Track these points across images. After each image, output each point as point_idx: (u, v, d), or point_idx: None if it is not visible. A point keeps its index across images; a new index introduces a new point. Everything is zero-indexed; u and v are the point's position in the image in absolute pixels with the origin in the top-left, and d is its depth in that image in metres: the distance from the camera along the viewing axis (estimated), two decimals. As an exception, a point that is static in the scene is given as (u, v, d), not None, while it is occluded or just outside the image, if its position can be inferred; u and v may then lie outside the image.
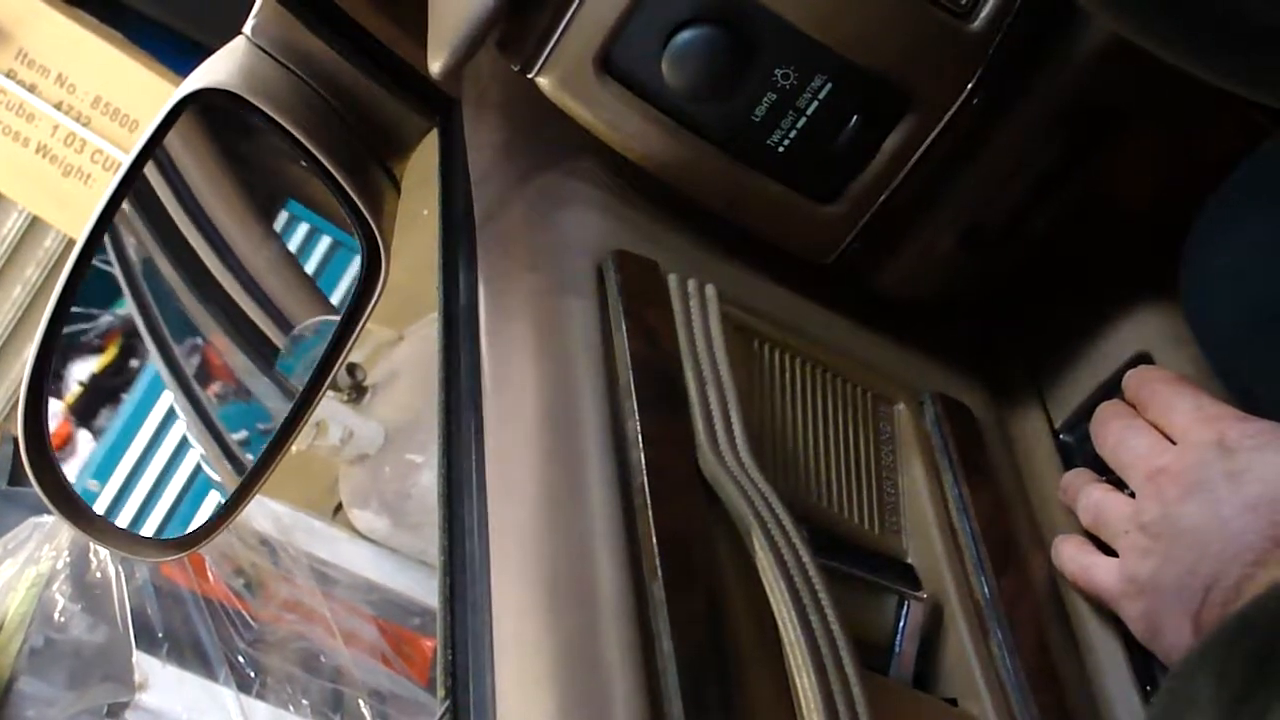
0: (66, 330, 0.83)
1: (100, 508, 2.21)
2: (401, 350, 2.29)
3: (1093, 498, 0.87)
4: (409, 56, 0.88)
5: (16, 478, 2.31)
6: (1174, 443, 0.83)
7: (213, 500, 0.88)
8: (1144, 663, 0.84)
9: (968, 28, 0.81)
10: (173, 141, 0.84)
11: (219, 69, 0.82)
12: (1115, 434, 0.87)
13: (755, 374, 0.85)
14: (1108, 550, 0.85)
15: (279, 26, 0.84)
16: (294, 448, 0.86)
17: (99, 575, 1.95)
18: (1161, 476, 0.82)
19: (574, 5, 0.81)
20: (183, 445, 2.34)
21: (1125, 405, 0.89)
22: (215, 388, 0.99)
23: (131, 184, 0.83)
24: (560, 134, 0.88)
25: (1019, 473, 0.94)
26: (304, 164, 0.82)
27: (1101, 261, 0.97)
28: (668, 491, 0.74)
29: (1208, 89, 0.60)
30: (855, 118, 0.83)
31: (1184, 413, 0.84)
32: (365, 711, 1.97)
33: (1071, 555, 0.87)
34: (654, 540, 0.71)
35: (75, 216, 2.50)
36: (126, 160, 0.82)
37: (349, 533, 2.19)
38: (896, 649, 0.82)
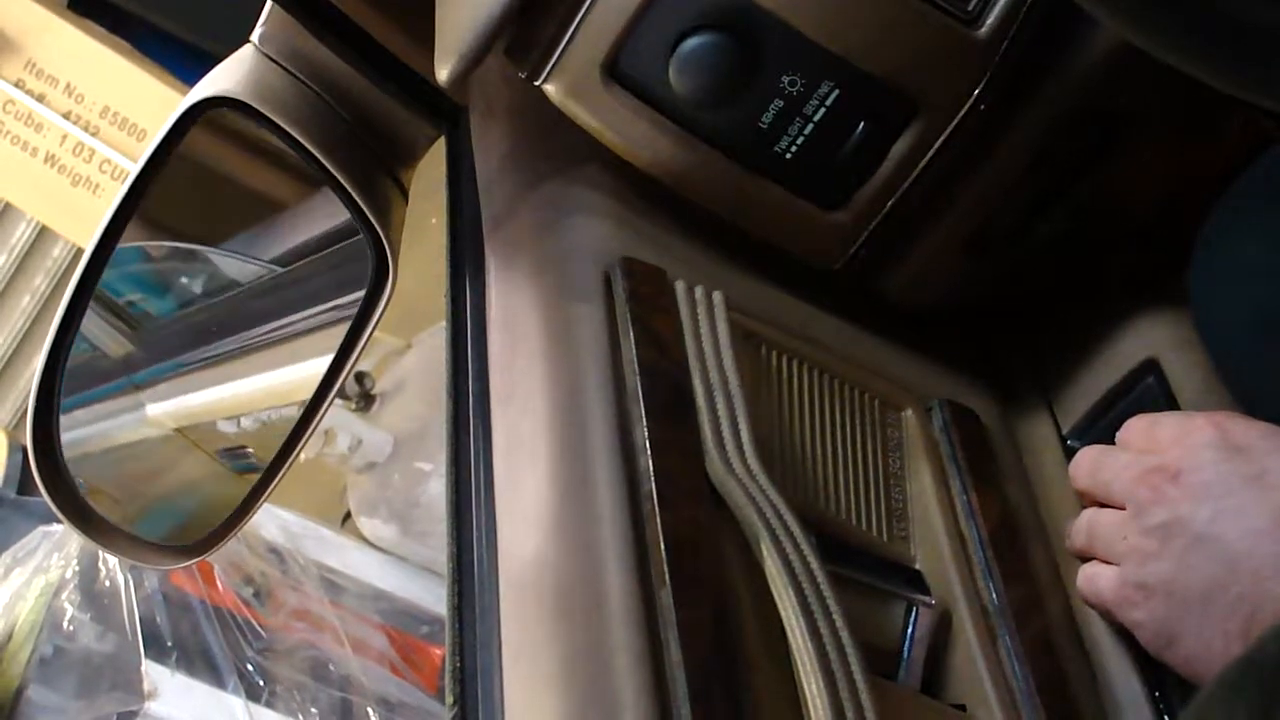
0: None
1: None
2: (410, 359, 2.30)
3: (1082, 520, 0.87)
4: (416, 65, 0.88)
5: (26, 487, 2.31)
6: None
7: (221, 508, 0.88)
8: (1154, 670, 0.84)
9: (974, 34, 0.81)
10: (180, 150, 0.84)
11: (226, 77, 0.82)
12: (1091, 458, 0.87)
13: (763, 381, 0.85)
14: None
15: (286, 35, 0.84)
16: (302, 456, 0.86)
17: (108, 584, 1.95)
18: (1156, 475, 0.81)
19: (581, 13, 0.81)
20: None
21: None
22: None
23: (140, 193, 0.83)
24: (567, 141, 0.88)
25: (1027, 479, 0.94)
26: (312, 172, 0.82)
27: (1109, 267, 0.97)
28: (676, 498, 0.74)
29: (1214, 94, 0.60)
30: (862, 124, 0.83)
31: (1172, 421, 0.83)
32: (374, 720, 1.98)
33: (1081, 568, 0.87)
34: (662, 547, 0.72)
35: (84, 226, 2.50)
36: (135, 169, 0.82)
37: (357, 541, 2.19)
38: (905, 655, 0.82)
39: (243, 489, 0.88)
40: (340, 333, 0.87)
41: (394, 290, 0.84)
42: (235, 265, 0.97)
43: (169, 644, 1.95)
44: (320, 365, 0.88)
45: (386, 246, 0.83)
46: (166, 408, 0.98)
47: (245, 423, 1.00)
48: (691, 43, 0.81)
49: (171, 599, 1.97)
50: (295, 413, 0.91)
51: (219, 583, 1.99)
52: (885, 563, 0.84)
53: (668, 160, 0.85)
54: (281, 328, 0.97)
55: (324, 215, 0.89)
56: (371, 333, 0.84)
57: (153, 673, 1.92)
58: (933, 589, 0.84)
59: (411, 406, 2.22)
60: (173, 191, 0.84)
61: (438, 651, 2.07)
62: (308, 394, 0.88)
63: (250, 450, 0.99)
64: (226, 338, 0.99)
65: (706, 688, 0.67)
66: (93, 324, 0.85)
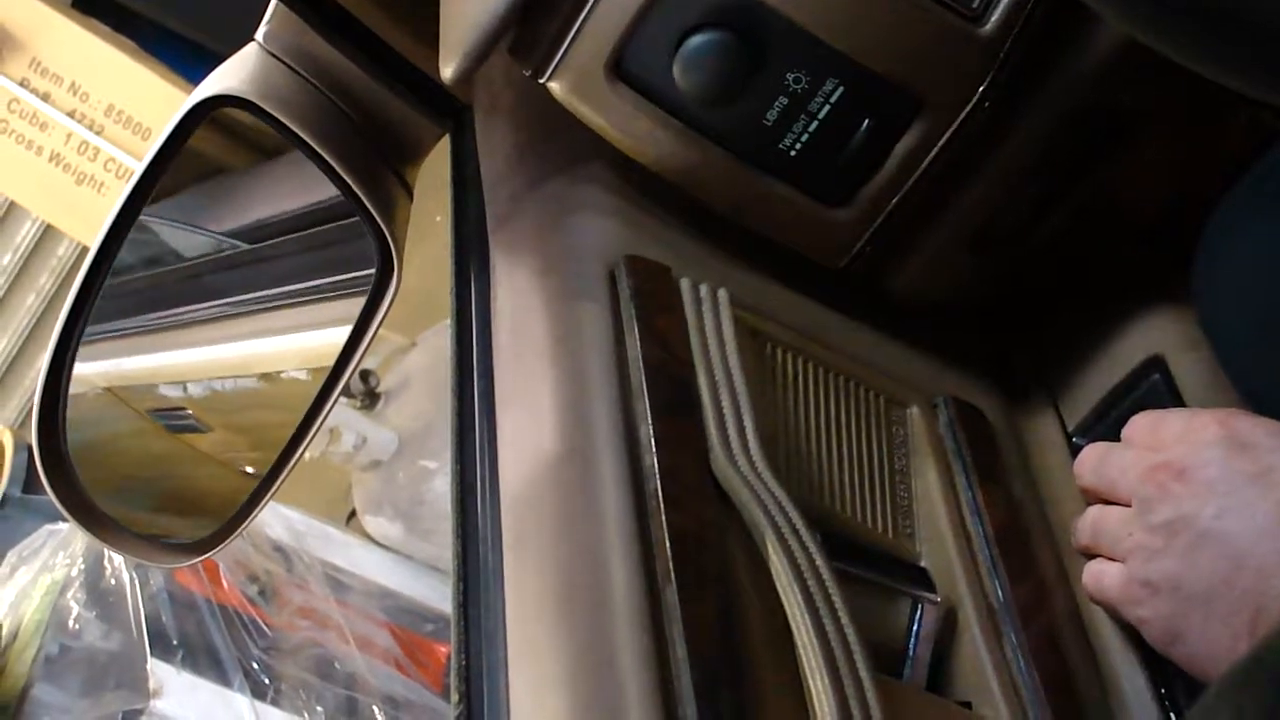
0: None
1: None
2: (414, 357, 2.30)
3: (1087, 517, 0.87)
4: (421, 62, 0.88)
5: (31, 485, 2.31)
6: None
7: (227, 507, 0.89)
8: (1159, 666, 0.84)
9: (979, 31, 0.81)
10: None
11: (231, 75, 0.82)
12: (1096, 455, 0.87)
13: (767, 378, 0.85)
14: None
15: (291, 33, 0.85)
16: (307, 454, 0.86)
17: (113, 582, 1.95)
18: (1162, 472, 0.80)
19: (586, 10, 0.81)
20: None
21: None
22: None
23: (145, 192, 0.83)
24: (572, 139, 0.88)
25: (1032, 476, 0.94)
26: (318, 170, 0.82)
27: (1114, 264, 0.97)
28: (681, 495, 0.74)
29: (1219, 91, 0.60)
30: (867, 122, 0.83)
31: (1177, 418, 0.83)
32: (380, 718, 1.98)
33: (1086, 565, 0.87)
34: (667, 544, 0.72)
35: (88, 224, 2.50)
36: (140, 168, 0.82)
37: (363, 539, 2.19)
38: (910, 652, 0.82)
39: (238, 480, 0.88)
40: (301, 313, 0.87)
41: (399, 288, 0.84)
42: (185, 236, 0.97)
43: (174, 642, 1.95)
44: (282, 342, 0.88)
45: (391, 244, 0.83)
46: (99, 369, 0.98)
47: (193, 389, 1.00)
48: (696, 40, 0.81)
49: (177, 597, 1.97)
50: (253, 384, 0.92)
51: (224, 581, 1.99)
52: (890, 560, 0.84)
53: (672, 158, 0.85)
54: (241, 302, 0.97)
55: (288, 193, 0.89)
56: (377, 330, 0.84)
57: (158, 671, 1.93)
58: (938, 586, 0.84)
59: (416, 404, 2.23)
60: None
61: (443, 649, 2.07)
62: (266, 367, 0.88)
63: (190, 412, 0.98)
64: (175, 307, 0.99)
65: (712, 685, 0.67)
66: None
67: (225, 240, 0.96)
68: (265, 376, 0.98)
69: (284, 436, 0.86)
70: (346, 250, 0.85)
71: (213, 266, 0.98)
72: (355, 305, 0.86)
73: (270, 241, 0.96)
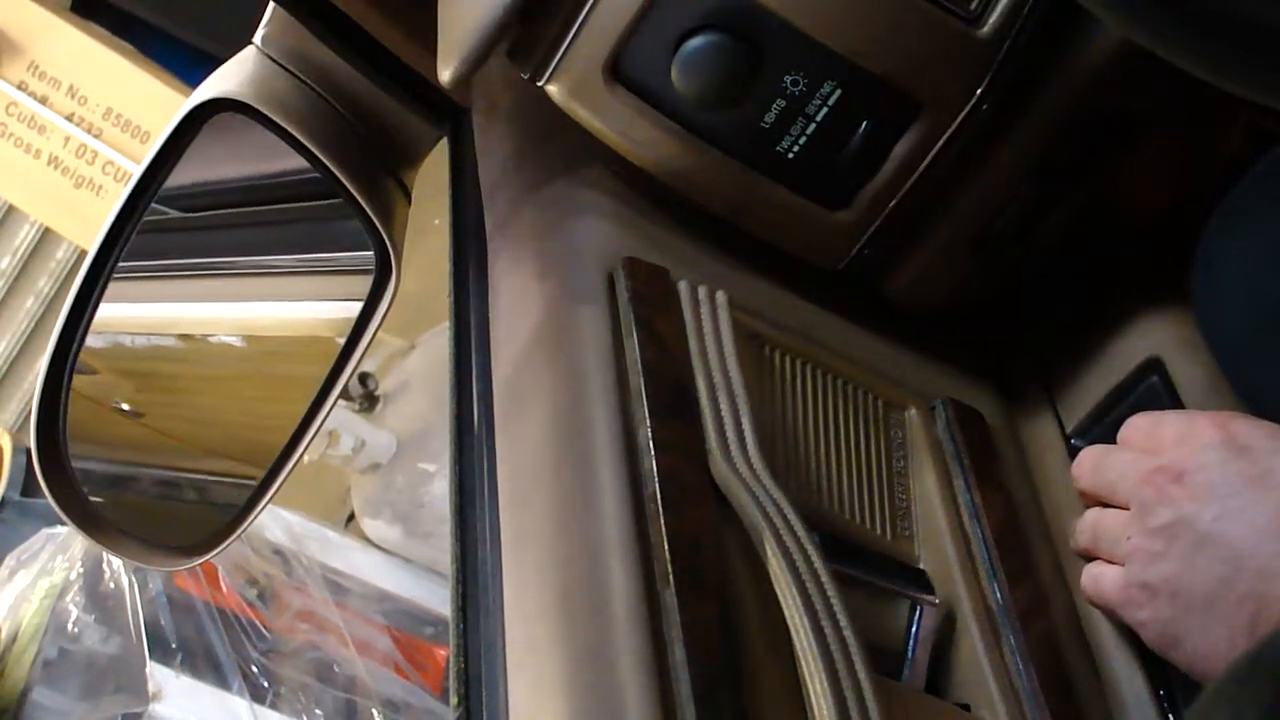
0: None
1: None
2: (413, 360, 2.30)
3: (1086, 519, 0.87)
4: (419, 66, 0.88)
5: (30, 489, 2.31)
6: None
7: (226, 510, 0.89)
8: (1158, 669, 0.84)
9: (977, 33, 0.81)
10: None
11: (229, 79, 0.82)
12: (1094, 457, 0.87)
13: (766, 380, 0.85)
14: None
15: (288, 36, 0.85)
16: (306, 458, 0.86)
17: (112, 586, 1.96)
18: (1160, 475, 0.80)
19: (583, 13, 0.81)
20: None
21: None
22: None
23: (143, 195, 0.83)
24: (570, 142, 0.88)
25: (1031, 478, 0.94)
26: (316, 173, 0.82)
27: (1112, 266, 0.96)
28: (680, 498, 0.74)
29: (1217, 93, 0.60)
30: (865, 124, 0.83)
31: (1175, 421, 0.83)
32: (379, 721, 1.98)
33: (1085, 568, 0.87)
34: (666, 547, 0.71)
35: (87, 228, 2.50)
36: (138, 171, 0.82)
37: (362, 542, 2.19)
38: (909, 655, 0.82)
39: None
40: (240, 285, 0.86)
41: (398, 291, 0.84)
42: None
43: (173, 646, 1.95)
44: (213, 309, 0.88)
45: (390, 247, 0.83)
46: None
47: (93, 341, 0.99)
48: (694, 43, 0.81)
49: (176, 601, 1.97)
50: (173, 343, 0.91)
51: (223, 584, 1.99)
52: (889, 562, 0.84)
53: (670, 161, 0.85)
54: (174, 266, 0.96)
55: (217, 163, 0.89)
56: (375, 333, 0.84)
57: (157, 674, 1.93)
58: (937, 588, 0.84)
59: (415, 407, 2.22)
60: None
61: (442, 652, 2.07)
62: (188, 329, 0.88)
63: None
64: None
65: (711, 688, 0.67)
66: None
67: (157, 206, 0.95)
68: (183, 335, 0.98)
69: (186, 387, 0.86)
70: (282, 231, 0.85)
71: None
72: (289, 284, 0.86)
73: (203, 213, 0.95)
